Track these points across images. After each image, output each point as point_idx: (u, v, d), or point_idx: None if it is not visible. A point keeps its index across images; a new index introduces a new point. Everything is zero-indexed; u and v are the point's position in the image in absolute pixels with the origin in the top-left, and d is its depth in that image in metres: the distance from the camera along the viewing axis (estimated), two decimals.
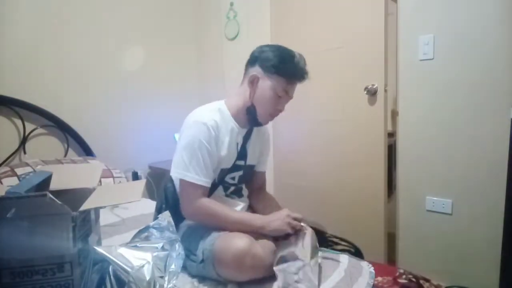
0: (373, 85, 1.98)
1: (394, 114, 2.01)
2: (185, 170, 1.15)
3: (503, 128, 1.51)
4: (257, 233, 1.14)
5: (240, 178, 1.34)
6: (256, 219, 1.19)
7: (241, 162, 1.32)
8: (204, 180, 1.16)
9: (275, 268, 1.05)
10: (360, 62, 2.04)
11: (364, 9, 2.00)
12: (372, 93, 1.99)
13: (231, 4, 2.66)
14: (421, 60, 1.81)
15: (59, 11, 2.06)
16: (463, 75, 1.70)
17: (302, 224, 1.19)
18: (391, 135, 2.11)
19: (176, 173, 1.18)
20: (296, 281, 1.01)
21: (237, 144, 1.29)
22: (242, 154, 1.31)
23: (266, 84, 1.23)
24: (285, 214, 1.17)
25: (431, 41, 1.77)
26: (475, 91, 1.67)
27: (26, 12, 1.94)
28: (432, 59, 1.78)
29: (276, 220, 1.16)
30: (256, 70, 1.24)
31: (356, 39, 2.04)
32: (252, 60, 1.27)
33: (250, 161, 1.35)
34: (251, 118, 1.28)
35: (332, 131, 2.19)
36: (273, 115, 1.29)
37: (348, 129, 2.12)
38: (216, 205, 1.17)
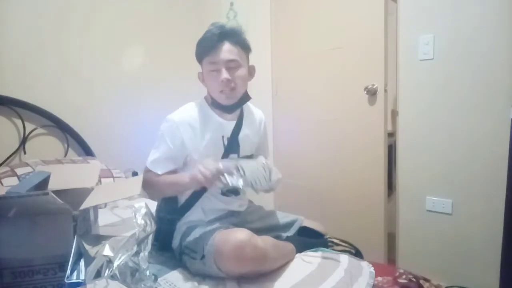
0: (373, 85, 1.98)
1: (394, 114, 2.01)
2: (149, 158, 1.27)
3: (503, 128, 1.51)
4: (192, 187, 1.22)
5: None
6: (185, 175, 1.21)
7: (234, 155, 1.31)
8: (156, 168, 1.24)
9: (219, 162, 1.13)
10: (360, 62, 2.04)
11: (364, 9, 2.00)
12: (372, 93, 1.99)
13: (231, 4, 2.66)
14: (421, 60, 1.81)
15: (59, 11, 2.06)
16: (463, 75, 1.70)
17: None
18: (391, 135, 2.11)
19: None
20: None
21: (223, 137, 1.28)
22: (233, 146, 1.30)
23: (203, 72, 1.30)
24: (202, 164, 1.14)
25: (431, 41, 1.77)
26: (475, 91, 1.68)
27: (26, 12, 1.94)
28: (432, 59, 1.78)
29: (195, 170, 1.14)
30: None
31: (356, 39, 2.04)
32: None
33: (244, 152, 1.34)
34: (219, 109, 1.29)
35: (332, 131, 2.19)
36: (223, 90, 1.23)
37: (348, 129, 2.12)
38: (154, 177, 1.24)
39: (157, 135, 1.27)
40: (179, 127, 1.23)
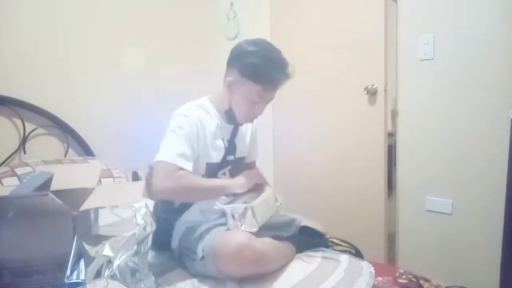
0: (373, 85, 1.98)
1: (394, 114, 2.01)
2: (166, 153, 1.14)
3: (503, 128, 1.51)
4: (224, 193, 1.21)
5: (230, 172, 1.34)
6: (228, 181, 1.25)
7: (231, 157, 1.33)
8: (185, 164, 1.14)
9: (224, 206, 1.15)
10: (360, 62, 2.03)
11: (364, 9, 2.00)
12: (372, 93, 1.99)
13: (231, 4, 2.66)
14: (421, 60, 1.81)
15: (59, 11, 2.06)
16: (463, 75, 1.70)
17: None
18: (391, 135, 2.11)
19: (157, 157, 1.14)
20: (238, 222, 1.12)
21: (223, 139, 1.29)
22: (231, 149, 1.32)
23: (242, 89, 1.21)
24: (251, 173, 1.31)
25: (431, 41, 1.77)
26: (475, 91, 1.68)
27: (26, 12, 1.94)
28: (432, 59, 1.78)
29: (242, 177, 1.26)
30: (233, 73, 1.22)
31: (356, 39, 2.04)
32: (231, 60, 1.25)
33: (239, 154, 1.37)
34: (229, 119, 1.29)
35: (332, 131, 2.19)
36: (251, 118, 1.30)
37: (348, 129, 2.12)
38: (192, 175, 1.17)
39: (171, 127, 1.19)
40: (196, 123, 1.20)
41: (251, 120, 1.32)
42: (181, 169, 1.12)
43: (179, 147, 1.15)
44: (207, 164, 1.26)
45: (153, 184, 1.11)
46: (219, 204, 1.17)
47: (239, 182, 1.24)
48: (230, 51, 1.27)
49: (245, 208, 1.12)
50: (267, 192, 1.25)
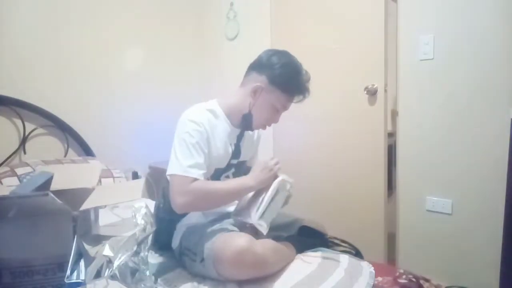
0: (373, 85, 1.98)
1: (394, 114, 2.01)
2: (178, 165, 1.12)
3: (503, 128, 1.51)
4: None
5: (233, 175, 1.35)
6: (247, 180, 1.20)
7: (235, 161, 1.33)
8: (197, 173, 1.12)
9: (233, 217, 1.19)
10: (360, 62, 2.03)
11: (364, 9, 2.00)
12: (372, 93, 1.99)
13: (231, 4, 2.66)
14: (421, 60, 1.81)
15: (59, 11, 2.06)
16: (463, 75, 1.70)
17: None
18: (391, 135, 2.11)
19: (170, 171, 1.14)
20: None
21: (230, 144, 1.29)
22: (236, 153, 1.32)
23: (268, 97, 1.23)
24: (263, 165, 1.21)
25: (431, 41, 1.77)
26: (475, 91, 1.68)
27: (26, 12, 1.94)
28: (432, 59, 1.78)
29: (259, 173, 1.20)
30: (262, 80, 1.22)
31: (356, 39, 2.04)
32: (259, 67, 1.25)
33: (243, 157, 1.37)
34: (245, 124, 1.29)
35: (332, 131, 2.19)
36: (265, 126, 1.32)
37: (348, 129, 2.12)
38: (207, 183, 1.17)
39: (180, 134, 1.17)
40: (206, 130, 1.19)
41: (264, 127, 1.33)
42: (195, 179, 1.11)
43: (190, 158, 1.13)
44: (215, 169, 1.26)
45: (171, 200, 1.11)
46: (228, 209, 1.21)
47: (258, 180, 1.19)
48: (258, 57, 1.27)
49: (252, 217, 1.14)
50: (271, 188, 1.21)
